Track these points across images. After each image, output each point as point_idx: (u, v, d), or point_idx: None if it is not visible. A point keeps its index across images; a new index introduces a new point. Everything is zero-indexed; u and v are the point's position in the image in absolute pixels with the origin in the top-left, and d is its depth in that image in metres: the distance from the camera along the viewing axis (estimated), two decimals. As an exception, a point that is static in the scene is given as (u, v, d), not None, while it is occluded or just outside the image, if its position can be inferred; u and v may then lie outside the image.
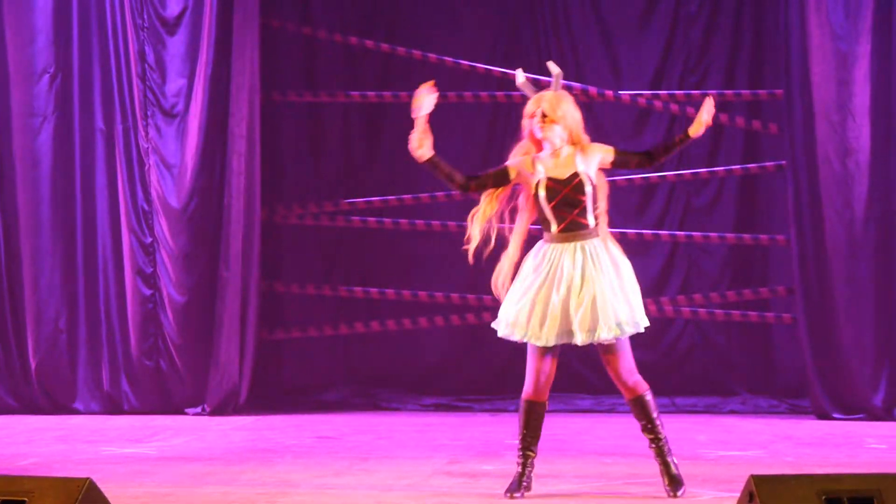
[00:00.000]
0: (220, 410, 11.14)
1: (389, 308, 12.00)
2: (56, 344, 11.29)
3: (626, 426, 10.47)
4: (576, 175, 6.81)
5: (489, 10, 12.23)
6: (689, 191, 12.07)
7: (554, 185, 6.79)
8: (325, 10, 12.17)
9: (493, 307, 11.84)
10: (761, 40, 11.95)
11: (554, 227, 6.82)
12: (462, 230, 11.88)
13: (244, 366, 11.25)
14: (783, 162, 11.20)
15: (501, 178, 6.95)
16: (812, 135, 10.80)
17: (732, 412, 11.57)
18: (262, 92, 11.47)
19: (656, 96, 11.84)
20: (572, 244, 6.80)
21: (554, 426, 10.48)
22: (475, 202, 11.96)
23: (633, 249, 11.91)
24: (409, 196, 11.90)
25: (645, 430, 6.95)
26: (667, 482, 6.92)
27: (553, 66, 7.05)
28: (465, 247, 6.94)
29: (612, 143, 7.03)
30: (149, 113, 11.25)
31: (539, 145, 6.92)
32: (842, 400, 10.83)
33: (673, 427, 10.40)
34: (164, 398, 11.29)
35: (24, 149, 11.31)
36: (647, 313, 11.20)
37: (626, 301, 6.82)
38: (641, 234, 11.83)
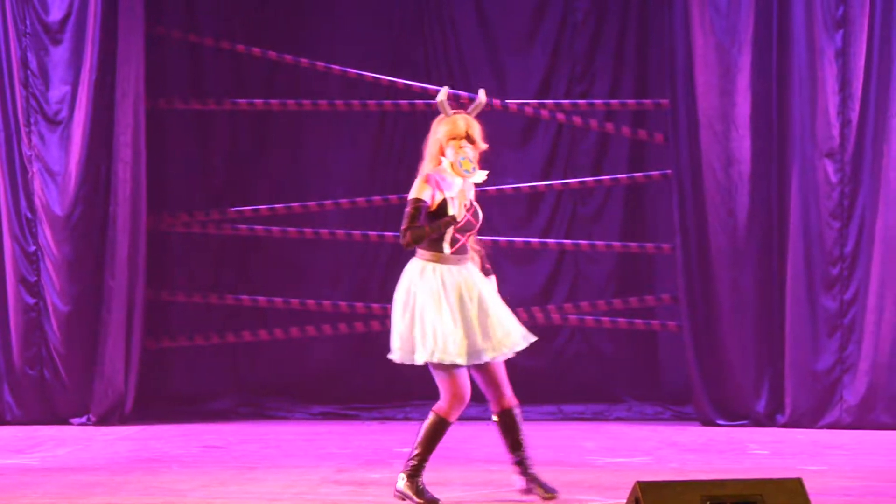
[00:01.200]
0: (105, 420, 11.03)
1: (277, 316, 11.96)
2: (-64, 353, 11.11)
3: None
4: (472, 203, 6.91)
5: (377, 19, 12.23)
6: (576, 199, 12.16)
7: (462, 209, 6.86)
8: (212, 18, 12.09)
9: (382, 315, 11.88)
10: (647, 50, 12.08)
11: (447, 249, 6.84)
12: (350, 239, 11.97)
13: (130, 375, 11.15)
14: (668, 171, 11.33)
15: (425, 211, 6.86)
16: (696, 144, 10.95)
17: (619, 419, 11.68)
18: (147, 99, 11.38)
19: (543, 105, 11.91)
20: (462, 266, 6.86)
21: (442, 434, 10.50)
22: (360, 211, 11.99)
23: (520, 258, 12.06)
24: (298, 204, 11.87)
25: (514, 446, 6.97)
26: (542, 492, 6.94)
27: (482, 95, 7.06)
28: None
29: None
30: (32, 120, 11.11)
31: (440, 164, 6.88)
32: (725, 406, 10.97)
33: (560, 434, 10.52)
34: (47, 408, 11.14)
35: None
36: (535, 321, 11.35)
37: (511, 315, 6.97)
38: (528, 242, 11.89)
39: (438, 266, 6.84)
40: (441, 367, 6.80)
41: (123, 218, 11.10)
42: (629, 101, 11.91)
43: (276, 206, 11.88)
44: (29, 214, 11.12)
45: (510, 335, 6.86)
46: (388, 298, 11.97)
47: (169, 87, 11.93)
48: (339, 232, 11.92)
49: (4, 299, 11.09)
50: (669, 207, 11.33)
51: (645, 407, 11.88)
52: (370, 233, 11.94)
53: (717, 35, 10.89)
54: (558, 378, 11.95)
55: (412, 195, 6.84)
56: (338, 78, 11.89)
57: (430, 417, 6.90)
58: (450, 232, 6.82)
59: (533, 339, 6.99)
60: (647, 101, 11.84)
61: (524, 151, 12.12)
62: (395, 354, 6.93)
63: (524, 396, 11.58)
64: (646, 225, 12.14)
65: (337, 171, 12.20)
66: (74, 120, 11.09)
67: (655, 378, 12.10)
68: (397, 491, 6.92)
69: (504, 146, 12.05)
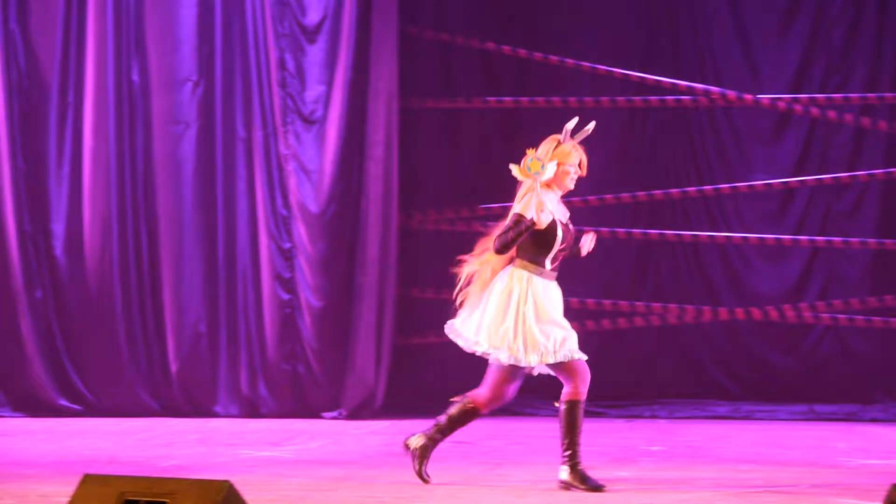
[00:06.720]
0: (356, 414, 11.22)
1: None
2: (196, 347, 11.45)
3: (764, 434, 10.37)
4: (569, 223, 7.45)
5: (626, 15, 12.14)
6: (830, 196, 11.89)
7: (564, 229, 7.39)
8: (462, 17, 12.18)
9: (630, 313, 11.81)
10: (906, 43, 11.75)
11: (548, 265, 7.34)
12: (597, 235, 11.90)
13: (380, 370, 11.32)
14: (927, 166, 11.01)
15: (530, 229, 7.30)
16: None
17: (874, 420, 11.39)
18: (399, 98, 11.53)
19: (796, 100, 11.69)
20: (555, 283, 7.37)
21: (690, 432, 10.42)
22: (608, 208, 11.94)
23: (772, 255, 11.86)
24: (546, 201, 11.88)
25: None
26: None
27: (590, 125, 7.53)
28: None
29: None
30: (288, 120, 11.37)
31: (551, 186, 7.46)
32: None
33: (812, 434, 10.31)
34: (300, 402, 11.39)
35: (166, 155, 11.49)
36: (786, 319, 11.12)
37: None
38: (780, 238, 11.69)
39: (540, 279, 7.31)
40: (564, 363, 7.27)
41: (375, 215, 11.27)
42: (887, 94, 11.59)
43: (525, 203, 11.91)
44: (284, 212, 11.38)
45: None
46: (636, 296, 12.04)
47: (420, 86, 12.06)
48: (587, 229, 11.87)
49: (260, 295, 11.37)
50: (928, 203, 11.01)
51: (902, 408, 11.57)
52: (618, 230, 11.88)
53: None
54: (810, 377, 11.70)
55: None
56: (587, 75, 11.85)
57: (564, 407, 7.36)
58: (555, 250, 7.31)
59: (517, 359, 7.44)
60: (906, 95, 11.52)
61: (776, 147, 11.90)
62: (504, 355, 7.50)
63: (775, 395, 11.47)
64: (903, 222, 11.80)
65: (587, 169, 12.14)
66: (329, 119, 11.31)
67: (912, 378, 11.77)
68: (561, 482, 7.27)
69: (755, 141, 11.87)
